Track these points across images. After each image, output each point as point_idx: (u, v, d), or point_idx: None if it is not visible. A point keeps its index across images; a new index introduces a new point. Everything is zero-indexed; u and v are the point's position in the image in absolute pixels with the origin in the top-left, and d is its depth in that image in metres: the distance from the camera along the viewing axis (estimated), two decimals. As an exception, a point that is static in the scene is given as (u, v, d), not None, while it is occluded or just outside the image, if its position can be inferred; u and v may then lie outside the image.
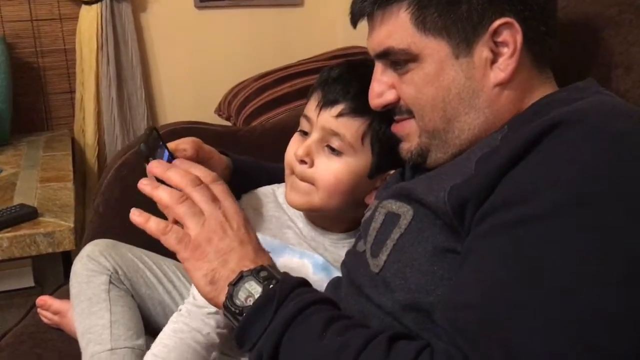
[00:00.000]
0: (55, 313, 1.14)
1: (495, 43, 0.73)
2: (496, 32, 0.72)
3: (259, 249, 0.76)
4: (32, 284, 1.51)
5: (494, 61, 0.73)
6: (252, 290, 0.71)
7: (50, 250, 1.40)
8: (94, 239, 1.35)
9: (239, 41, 2.34)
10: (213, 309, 0.87)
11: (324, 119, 0.90)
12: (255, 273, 0.72)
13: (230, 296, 0.71)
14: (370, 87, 0.81)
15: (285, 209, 0.99)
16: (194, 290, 0.91)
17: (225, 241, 0.74)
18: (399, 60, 0.76)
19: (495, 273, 0.60)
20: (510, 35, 0.72)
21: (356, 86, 0.89)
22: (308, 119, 0.93)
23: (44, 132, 2.20)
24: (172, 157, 0.86)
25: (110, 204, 1.30)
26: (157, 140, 0.84)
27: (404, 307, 0.69)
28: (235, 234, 0.74)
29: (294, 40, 2.36)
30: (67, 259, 1.50)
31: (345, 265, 0.83)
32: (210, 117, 2.12)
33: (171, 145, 0.90)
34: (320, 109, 0.90)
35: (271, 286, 0.70)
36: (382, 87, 0.79)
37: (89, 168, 2.21)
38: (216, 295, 0.73)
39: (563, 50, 0.79)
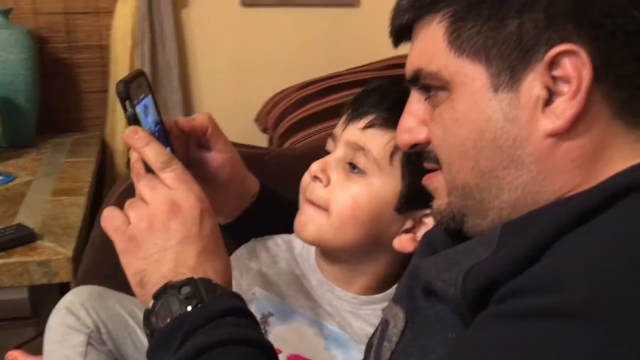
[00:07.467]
0: (26, 372, 0.95)
1: (553, 78, 0.54)
2: (554, 63, 0.54)
3: (210, 252, 0.63)
4: (28, 314, 1.34)
5: (548, 102, 0.55)
6: (173, 309, 0.59)
7: (45, 281, 1.22)
8: (87, 275, 1.19)
9: (287, 44, 2.12)
10: None
11: (349, 132, 0.75)
12: (177, 288, 0.60)
13: (148, 312, 0.61)
14: (400, 119, 0.65)
15: (300, 262, 0.82)
16: None
17: (163, 236, 0.62)
18: (430, 87, 0.60)
19: None
20: (574, 69, 0.53)
21: (393, 97, 0.73)
22: (334, 137, 0.78)
23: (74, 134, 2.04)
24: (157, 114, 0.70)
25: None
26: (144, 90, 0.68)
27: None
28: (182, 229, 0.62)
29: (347, 45, 2.12)
30: (66, 289, 1.32)
31: None
32: (253, 127, 1.93)
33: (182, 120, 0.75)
34: (348, 123, 0.75)
35: (189, 308, 0.59)
36: (413, 122, 0.63)
37: (117, 176, 2.04)
38: (145, 302, 0.63)
39: None
